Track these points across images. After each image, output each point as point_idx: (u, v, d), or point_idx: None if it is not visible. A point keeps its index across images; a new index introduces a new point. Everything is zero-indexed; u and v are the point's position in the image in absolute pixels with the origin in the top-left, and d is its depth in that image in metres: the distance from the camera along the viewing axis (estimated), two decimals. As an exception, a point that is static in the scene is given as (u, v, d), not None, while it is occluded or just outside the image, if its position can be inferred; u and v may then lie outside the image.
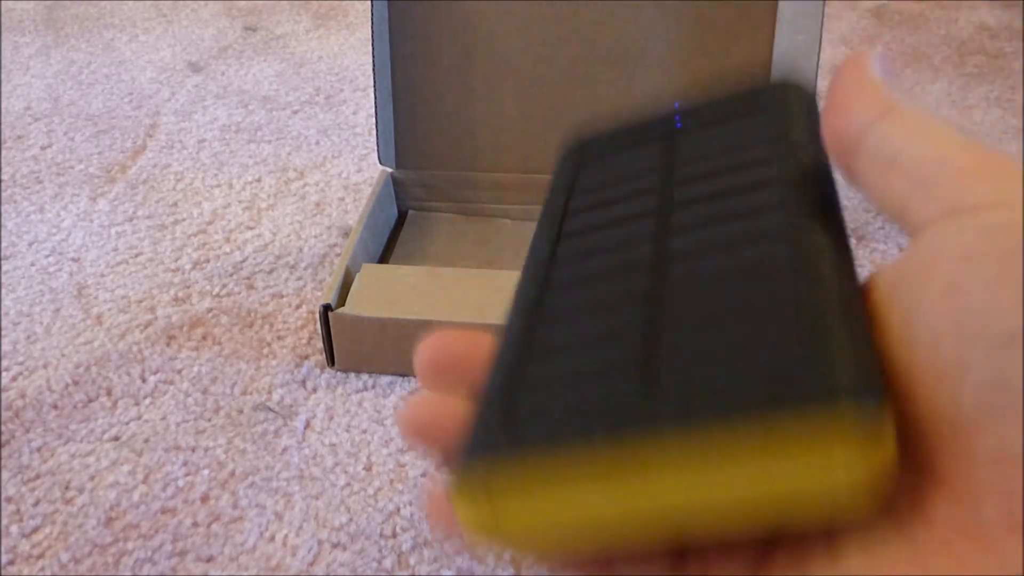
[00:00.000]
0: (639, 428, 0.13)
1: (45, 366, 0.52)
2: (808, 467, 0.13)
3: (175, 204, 0.68)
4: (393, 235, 0.62)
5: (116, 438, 0.47)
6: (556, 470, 0.14)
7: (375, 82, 0.60)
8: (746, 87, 0.22)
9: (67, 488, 0.44)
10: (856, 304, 0.16)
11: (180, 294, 0.58)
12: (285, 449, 0.47)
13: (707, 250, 0.17)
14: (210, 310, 0.56)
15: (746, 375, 0.13)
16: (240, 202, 0.68)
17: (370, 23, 0.58)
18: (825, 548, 0.15)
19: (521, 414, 0.15)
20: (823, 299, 0.15)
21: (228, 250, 0.62)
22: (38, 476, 0.45)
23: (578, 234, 0.20)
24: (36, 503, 0.44)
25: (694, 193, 0.19)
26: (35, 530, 0.42)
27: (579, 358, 0.16)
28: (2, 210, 0.67)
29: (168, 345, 0.54)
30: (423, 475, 0.45)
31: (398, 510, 0.43)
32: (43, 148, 0.75)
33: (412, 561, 0.41)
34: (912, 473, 0.15)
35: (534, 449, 0.14)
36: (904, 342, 0.16)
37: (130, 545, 0.42)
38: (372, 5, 0.58)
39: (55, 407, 0.49)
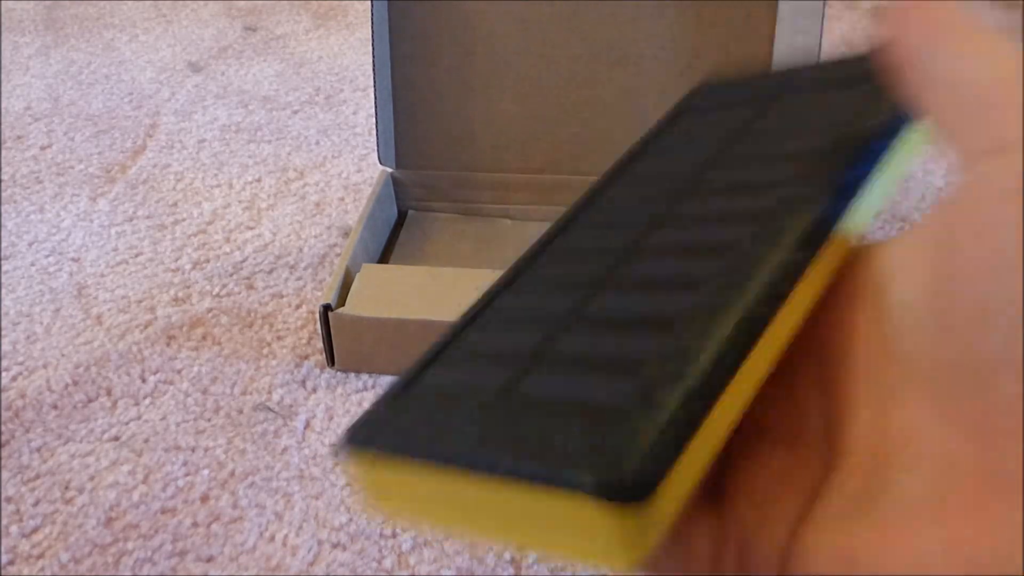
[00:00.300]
0: (460, 464, 0.15)
1: (45, 366, 0.52)
2: (563, 541, 0.14)
3: (175, 204, 0.68)
4: (393, 235, 0.62)
5: (116, 438, 0.47)
6: (401, 477, 0.16)
7: (375, 82, 0.60)
8: (861, 52, 0.22)
9: (67, 488, 0.44)
10: (736, 365, 0.15)
11: (180, 294, 0.58)
12: (285, 449, 0.47)
13: (662, 253, 0.18)
14: (210, 310, 0.56)
15: (561, 430, 0.14)
16: (240, 202, 0.68)
17: (370, 23, 0.58)
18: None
19: (398, 416, 0.17)
20: (694, 355, 0.15)
21: (228, 250, 0.62)
22: (38, 476, 0.45)
23: (610, 200, 0.21)
24: (36, 503, 0.44)
25: (715, 182, 0.20)
26: (35, 530, 0.42)
27: (469, 370, 0.17)
28: (2, 210, 0.67)
29: (168, 345, 0.54)
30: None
31: (398, 510, 0.43)
32: (43, 148, 0.75)
33: (412, 561, 0.41)
34: (941, 419, 0.15)
35: (390, 452, 0.16)
36: (937, 287, 0.15)
37: (130, 545, 0.42)
38: (372, 5, 0.58)
39: (55, 407, 0.49)
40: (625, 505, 0.13)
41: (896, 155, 0.19)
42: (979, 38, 0.16)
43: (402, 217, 0.64)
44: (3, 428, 0.48)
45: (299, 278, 0.59)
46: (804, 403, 0.18)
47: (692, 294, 0.16)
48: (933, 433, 0.15)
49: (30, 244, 0.63)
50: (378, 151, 0.62)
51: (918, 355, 0.16)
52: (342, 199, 0.68)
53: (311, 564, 0.41)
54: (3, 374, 0.51)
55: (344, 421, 0.48)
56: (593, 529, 0.13)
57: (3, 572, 0.40)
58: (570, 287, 0.18)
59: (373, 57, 0.59)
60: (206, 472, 0.45)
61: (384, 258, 0.60)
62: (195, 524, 0.42)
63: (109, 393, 0.50)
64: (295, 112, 0.81)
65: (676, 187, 0.20)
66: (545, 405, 0.15)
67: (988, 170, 0.15)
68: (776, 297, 0.16)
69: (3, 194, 0.69)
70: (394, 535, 0.42)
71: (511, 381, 0.16)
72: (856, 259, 0.18)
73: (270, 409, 0.49)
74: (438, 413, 0.16)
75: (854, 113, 0.20)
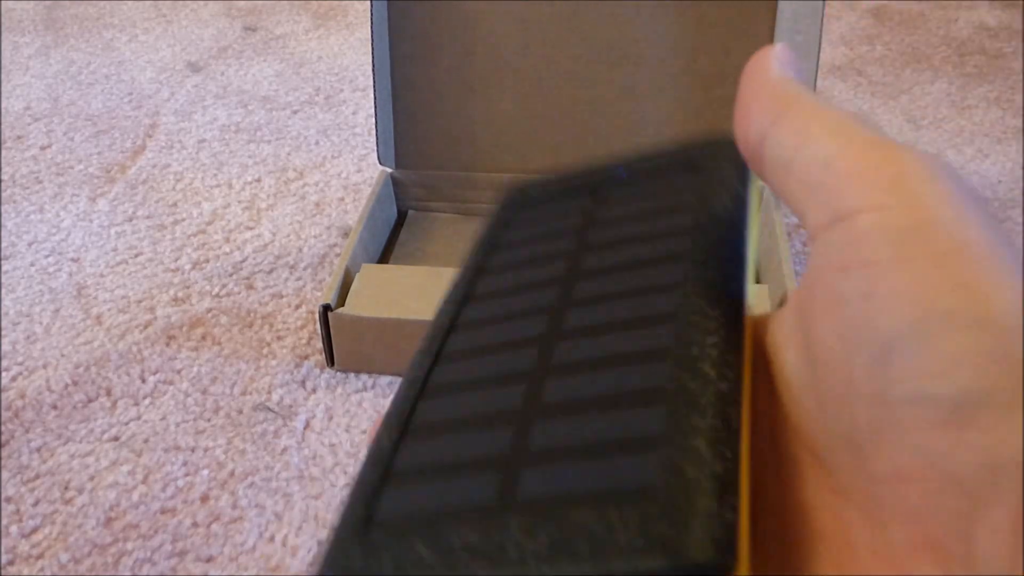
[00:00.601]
0: None
1: (45, 366, 0.52)
2: None
3: (175, 204, 0.68)
4: (393, 235, 0.62)
5: (116, 438, 0.47)
6: None
7: (375, 82, 0.60)
8: (680, 143, 0.22)
9: (67, 488, 0.44)
10: (729, 420, 0.15)
11: (180, 294, 0.58)
12: (285, 449, 0.47)
13: (596, 332, 0.17)
14: (210, 310, 0.56)
15: (602, 524, 0.13)
16: (240, 202, 0.68)
17: (370, 23, 0.58)
18: None
19: (375, 533, 0.15)
20: (690, 426, 0.14)
21: (228, 250, 0.62)
22: (38, 476, 0.45)
23: (485, 297, 0.20)
24: (36, 503, 0.44)
25: (600, 263, 0.19)
26: (35, 530, 0.42)
27: (443, 463, 0.15)
28: (2, 210, 0.67)
29: (168, 345, 0.54)
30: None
31: (398, 510, 0.43)
32: (43, 148, 0.75)
33: (412, 561, 0.41)
34: (835, 495, 0.15)
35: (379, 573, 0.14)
36: (808, 361, 0.15)
37: (130, 545, 0.42)
38: (372, 5, 0.58)
39: (55, 407, 0.49)
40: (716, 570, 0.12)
41: (751, 227, 0.19)
42: (821, 116, 0.16)
43: (402, 217, 0.64)
44: (3, 428, 0.48)
45: (299, 278, 0.59)
46: None
47: (655, 365, 0.16)
48: (830, 510, 0.15)
49: (30, 244, 0.63)
50: (378, 151, 0.62)
51: (805, 429, 0.16)
52: (342, 199, 0.68)
53: (311, 564, 0.41)
54: (3, 374, 0.51)
55: (344, 421, 0.48)
56: None
57: (3, 572, 0.40)
58: (499, 381, 0.17)
59: (373, 57, 0.59)
60: (206, 472, 0.45)
61: (384, 258, 0.60)
62: (195, 524, 0.42)
63: (109, 393, 0.50)
64: (295, 112, 0.81)
65: (557, 295, 0.19)
66: (560, 503, 0.14)
67: (826, 243, 0.15)
68: (734, 357, 0.16)
69: (3, 194, 0.69)
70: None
71: (503, 486, 0.14)
72: (754, 331, 0.18)
73: (270, 409, 0.49)
74: (431, 548, 0.14)
75: (703, 193, 0.20)
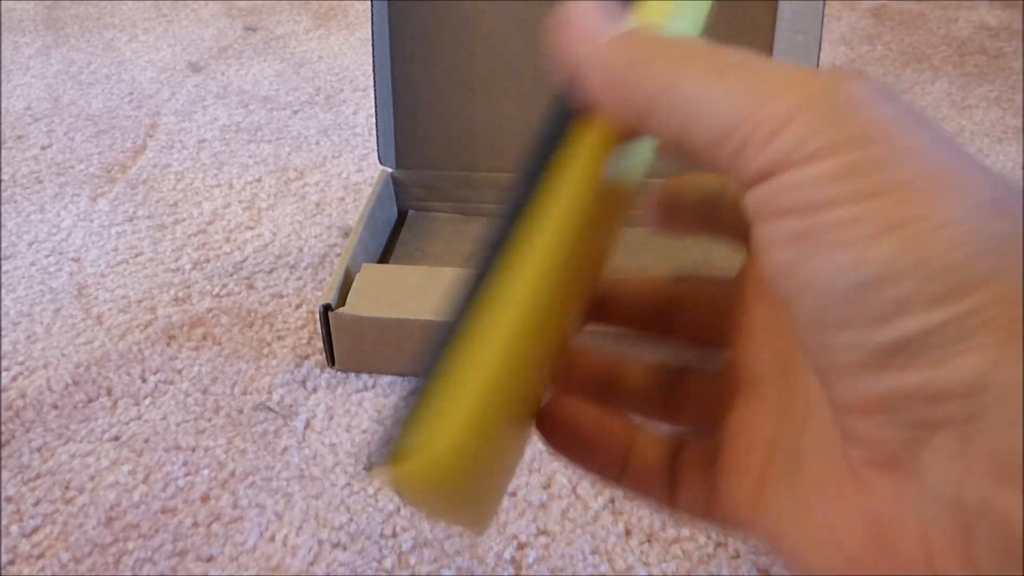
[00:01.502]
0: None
1: (45, 366, 0.52)
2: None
3: (175, 204, 0.68)
4: (393, 235, 0.62)
5: (116, 438, 0.47)
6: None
7: (375, 82, 0.60)
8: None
9: (67, 488, 0.44)
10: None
11: (180, 294, 0.58)
12: (285, 449, 0.47)
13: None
14: (210, 310, 0.56)
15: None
16: (240, 202, 0.68)
17: (370, 23, 0.58)
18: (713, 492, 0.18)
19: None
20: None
21: (228, 250, 0.62)
22: (38, 476, 0.45)
23: None
24: (36, 503, 0.44)
25: None
26: (35, 530, 0.42)
27: None
28: (2, 210, 0.67)
29: (168, 345, 0.54)
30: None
31: (398, 510, 0.43)
32: (43, 148, 0.75)
33: (412, 561, 0.41)
34: (790, 423, 0.16)
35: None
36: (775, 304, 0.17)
37: (130, 545, 0.42)
38: (372, 5, 0.58)
39: (55, 407, 0.49)
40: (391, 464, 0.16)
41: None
42: (699, 68, 0.15)
43: (402, 217, 0.64)
44: (3, 428, 0.48)
45: (299, 278, 0.59)
46: (760, 352, 0.19)
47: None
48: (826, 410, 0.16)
49: (30, 244, 0.63)
50: (378, 151, 0.62)
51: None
52: (342, 199, 0.68)
53: (311, 564, 0.41)
54: (3, 374, 0.51)
55: (344, 421, 0.48)
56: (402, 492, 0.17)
57: (3, 572, 0.40)
58: None
59: (373, 57, 0.59)
60: (206, 472, 0.45)
61: (384, 258, 0.60)
62: (195, 524, 0.43)
63: (109, 393, 0.50)
64: (295, 112, 0.81)
65: None
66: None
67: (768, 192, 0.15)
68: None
69: (3, 194, 0.69)
70: (394, 535, 0.42)
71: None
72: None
73: (270, 409, 0.49)
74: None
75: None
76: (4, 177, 0.71)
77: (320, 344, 0.53)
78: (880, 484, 0.14)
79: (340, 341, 0.50)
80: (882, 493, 0.14)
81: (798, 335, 0.15)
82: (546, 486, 0.44)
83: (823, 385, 0.15)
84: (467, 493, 0.17)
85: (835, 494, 0.15)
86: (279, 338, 0.54)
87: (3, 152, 0.75)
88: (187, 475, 0.45)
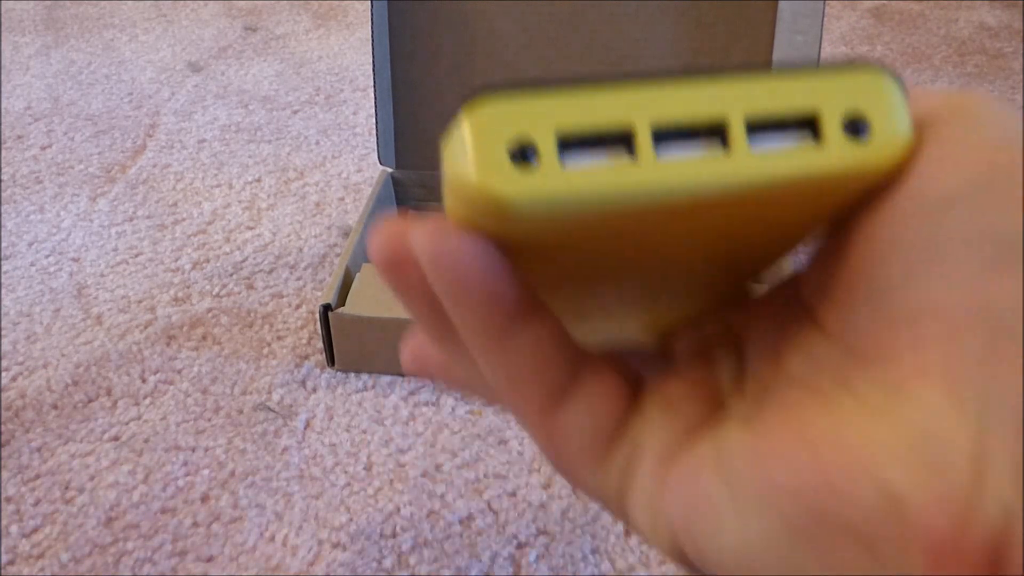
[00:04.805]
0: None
1: (45, 366, 0.52)
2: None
3: (175, 204, 0.68)
4: (393, 235, 0.62)
5: (116, 438, 0.47)
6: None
7: (375, 82, 0.60)
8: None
9: (67, 488, 0.44)
10: None
11: (180, 294, 0.58)
12: (285, 449, 0.47)
13: None
14: (210, 310, 0.56)
15: None
16: (240, 202, 0.68)
17: (370, 23, 0.58)
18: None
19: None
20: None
21: (228, 250, 0.62)
22: (38, 476, 0.45)
23: None
24: (36, 503, 0.44)
25: None
26: (35, 530, 0.42)
27: None
28: (2, 210, 0.67)
29: (168, 345, 0.54)
30: (423, 475, 0.45)
31: (398, 510, 0.43)
32: (43, 148, 0.75)
33: (412, 561, 0.41)
34: (841, 353, 0.15)
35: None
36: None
37: (130, 545, 0.42)
38: (372, 5, 0.58)
39: (55, 407, 0.49)
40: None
41: None
42: None
43: (402, 217, 0.64)
44: (3, 428, 0.48)
45: (299, 278, 0.59)
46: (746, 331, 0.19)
47: None
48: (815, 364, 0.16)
49: (30, 244, 0.63)
50: (378, 151, 0.62)
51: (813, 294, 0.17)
52: (342, 199, 0.68)
53: (311, 564, 0.41)
54: (3, 374, 0.51)
55: (344, 421, 0.48)
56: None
57: (3, 572, 0.40)
58: None
59: (373, 57, 0.59)
60: (206, 472, 0.45)
61: (384, 258, 0.60)
62: (195, 524, 0.42)
63: (109, 393, 0.50)
64: (295, 112, 0.81)
65: None
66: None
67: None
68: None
69: (3, 194, 0.69)
70: (394, 535, 0.42)
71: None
72: None
73: (270, 409, 0.49)
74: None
75: None
76: (4, 177, 0.71)
77: (320, 344, 0.53)
78: (927, 392, 0.13)
79: (340, 341, 0.50)
80: (929, 405, 0.13)
81: (870, 265, 0.14)
82: (546, 486, 0.44)
83: (890, 297, 0.14)
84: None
85: (878, 409, 0.14)
86: (279, 338, 0.54)
87: (3, 152, 0.75)
88: (187, 475, 0.45)
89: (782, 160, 0.14)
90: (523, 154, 0.14)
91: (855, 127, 0.14)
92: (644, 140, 0.14)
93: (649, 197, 0.14)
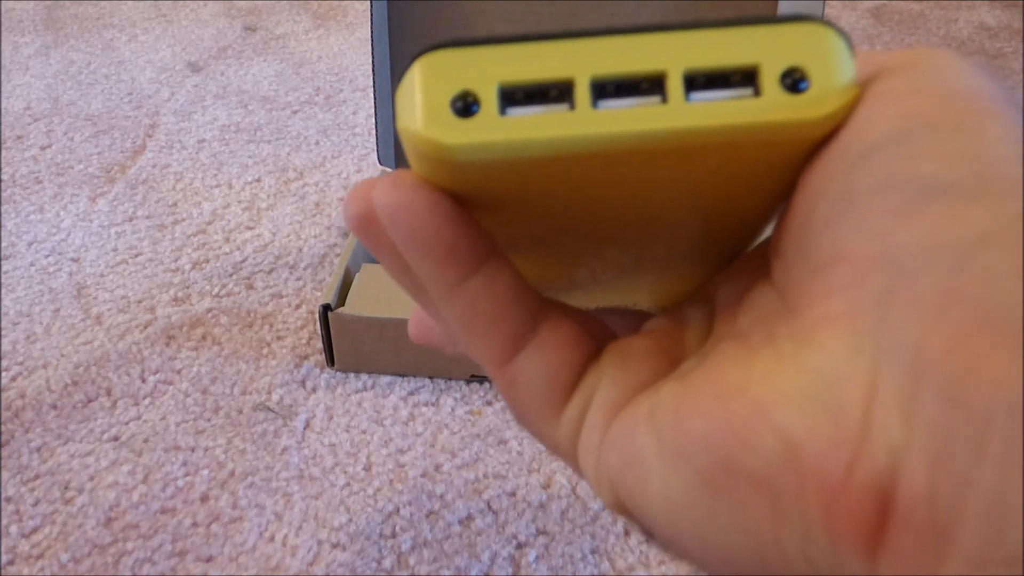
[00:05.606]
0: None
1: (45, 366, 0.52)
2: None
3: (175, 204, 0.68)
4: (393, 235, 0.62)
5: (116, 438, 0.47)
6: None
7: (375, 82, 0.60)
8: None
9: (67, 488, 0.44)
10: None
11: (180, 294, 0.58)
12: (285, 449, 0.47)
13: None
14: (210, 310, 0.56)
15: None
16: (240, 202, 0.68)
17: (370, 23, 0.58)
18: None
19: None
20: None
21: (228, 250, 0.62)
22: (38, 476, 0.45)
23: None
24: (36, 503, 0.44)
25: None
26: (35, 530, 0.42)
27: None
28: (2, 210, 0.67)
29: (168, 345, 0.54)
30: (422, 475, 0.45)
31: (398, 510, 0.43)
32: (43, 148, 0.75)
33: (412, 561, 0.41)
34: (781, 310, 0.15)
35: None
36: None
37: (130, 545, 0.42)
38: (372, 5, 0.58)
39: (55, 407, 0.49)
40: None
41: None
42: None
43: (402, 217, 0.64)
44: (3, 428, 0.48)
45: (299, 278, 0.59)
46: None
47: None
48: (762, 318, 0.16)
49: (30, 244, 0.63)
50: (378, 151, 0.62)
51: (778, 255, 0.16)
52: (342, 199, 0.68)
53: (311, 564, 0.41)
54: (3, 374, 0.51)
55: (343, 421, 0.48)
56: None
57: (3, 572, 0.40)
58: None
59: (373, 57, 0.59)
60: (206, 472, 0.45)
61: (384, 258, 0.60)
62: (195, 524, 0.42)
63: (109, 393, 0.50)
64: (295, 112, 0.81)
65: None
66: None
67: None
68: None
69: (3, 194, 0.69)
70: (393, 535, 0.42)
71: None
72: None
73: (270, 409, 0.49)
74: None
75: None
76: (4, 177, 0.71)
77: (320, 344, 0.53)
78: (827, 337, 0.13)
79: (340, 341, 0.50)
80: (828, 351, 0.13)
81: (805, 215, 0.14)
82: (546, 486, 0.44)
83: (814, 244, 0.14)
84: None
85: (781, 353, 0.14)
86: (279, 338, 0.54)
87: (3, 152, 0.75)
88: (187, 475, 0.45)
89: (717, 110, 0.14)
90: (466, 104, 0.14)
91: (793, 80, 0.14)
92: (583, 91, 0.14)
93: (584, 143, 0.14)
